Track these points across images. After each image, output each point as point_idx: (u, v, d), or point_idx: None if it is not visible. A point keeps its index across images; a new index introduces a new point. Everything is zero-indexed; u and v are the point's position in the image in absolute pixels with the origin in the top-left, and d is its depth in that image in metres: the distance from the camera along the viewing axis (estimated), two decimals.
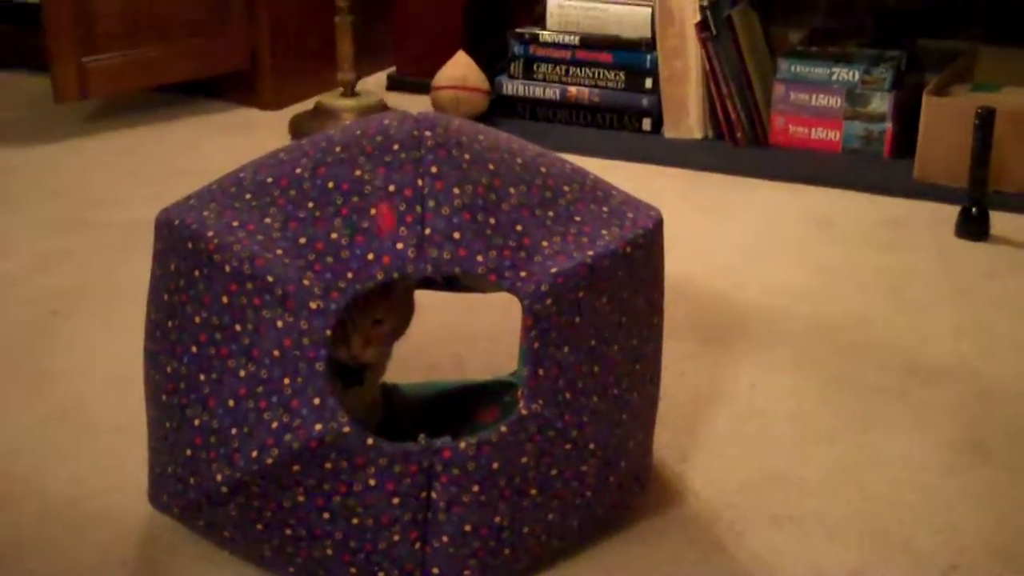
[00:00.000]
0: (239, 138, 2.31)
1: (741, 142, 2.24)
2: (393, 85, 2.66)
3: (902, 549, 1.08)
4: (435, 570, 0.96)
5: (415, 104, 2.44)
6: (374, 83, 2.64)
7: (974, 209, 1.82)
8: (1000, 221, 1.84)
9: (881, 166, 2.13)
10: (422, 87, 2.48)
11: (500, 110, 2.42)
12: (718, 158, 2.18)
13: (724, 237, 1.84)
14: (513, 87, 2.42)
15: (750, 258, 1.75)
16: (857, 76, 2.17)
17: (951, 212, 1.85)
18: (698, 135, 2.29)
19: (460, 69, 2.36)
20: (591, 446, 0.98)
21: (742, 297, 1.61)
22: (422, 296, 1.09)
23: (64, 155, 2.21)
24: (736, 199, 2.00)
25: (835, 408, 1.32)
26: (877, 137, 2.18)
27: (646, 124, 2.33)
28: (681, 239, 1.78)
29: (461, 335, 1.47)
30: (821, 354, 1.45)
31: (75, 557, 1.06)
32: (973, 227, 1.81)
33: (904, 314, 1.56)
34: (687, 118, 2.29)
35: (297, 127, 2.31)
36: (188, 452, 0.95)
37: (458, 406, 1.20)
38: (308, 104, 2.42)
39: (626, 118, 2.35)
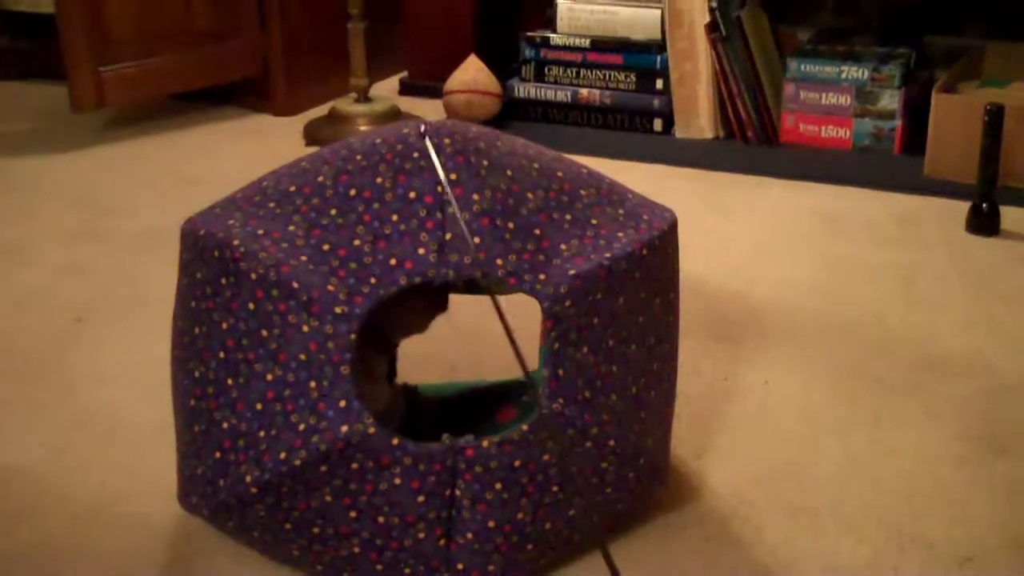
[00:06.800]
0: (253, 144, 2.33)
1: (752, 141, 2.26)
2: (405, 90, 2.68)
3: (916, 541, 1.09)
4: (460, 566, 0.98)
5: (427, 108, 2.47)
6: (386, 88, 2.66)
7: (984, 205, 1.83)
8: (1010, 216, 1.85)
9: (891, 163, 2.15)
10: (434, 91, 2.50)
11: (512, 113, 2.44)
12: (729, 157, 2.20)
13: (737, 235, 1.85)
14: (525, 90, 2.43)
15: (762, 256, 1.77)
16: (866, 74, 2.19)
17: (961, 208, 1.87)
18: (709, 135, 2.31)
19: (471, 73, 2.37)
20: (611, 443, 1.00)
21: (755, 295, 1.63)
22: None
23: (82, 164, 2.24)
24: (748, 198, 2.02)
25: (847, 403, 1.34)
26: (887, 134, 2.19)
27: (657, 125, 2.35)
28: (695, 238, 1.79)
29: (479, 336, 1.49)
30: (833, 350, 1.46)
31: (107, 561, 1.08)
32: (983, 223, 1.83)
33: (915, 310, 1.57)
34: (698, 118, 2.31)
35: (311, 133, 2.33)
36: (217, 454, 0.98)
37: (476, 406, 1.22)
38: (322, 110, 2.43)
39: (637, 119, 2.36)
